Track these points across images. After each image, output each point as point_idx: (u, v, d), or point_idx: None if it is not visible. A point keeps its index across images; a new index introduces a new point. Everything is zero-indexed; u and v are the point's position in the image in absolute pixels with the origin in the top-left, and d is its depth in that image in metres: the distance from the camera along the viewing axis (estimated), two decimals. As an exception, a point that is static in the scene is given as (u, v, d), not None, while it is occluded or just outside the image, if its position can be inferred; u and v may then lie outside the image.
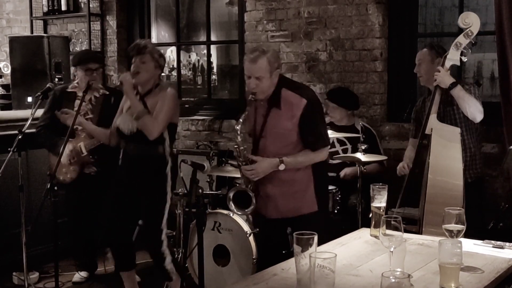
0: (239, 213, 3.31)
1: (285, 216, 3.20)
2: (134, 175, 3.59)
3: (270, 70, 3.07)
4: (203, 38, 6.12)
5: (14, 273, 4.35)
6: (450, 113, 3.59)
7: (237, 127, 3.14)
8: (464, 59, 3.47)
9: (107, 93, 4.25)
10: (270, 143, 3.16)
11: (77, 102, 4.11)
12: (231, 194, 3.25)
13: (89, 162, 4.11)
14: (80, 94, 4.14)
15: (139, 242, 3.80)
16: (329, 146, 3.28)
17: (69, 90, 4.24)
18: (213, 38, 6.02)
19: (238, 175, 4.14)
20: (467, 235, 2.29)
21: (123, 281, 3.88)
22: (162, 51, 3.83)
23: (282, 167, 3.09)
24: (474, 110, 3.46)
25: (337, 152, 4.34)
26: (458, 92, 3.44)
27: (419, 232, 3.15)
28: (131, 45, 3.66)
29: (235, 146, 3.15)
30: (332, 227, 3.70)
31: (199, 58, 6.64)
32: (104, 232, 3.74)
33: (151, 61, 3.57)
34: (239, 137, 3.13)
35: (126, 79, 3.50)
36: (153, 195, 3.60)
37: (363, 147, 3.97)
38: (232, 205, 3.24)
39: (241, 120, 3.15)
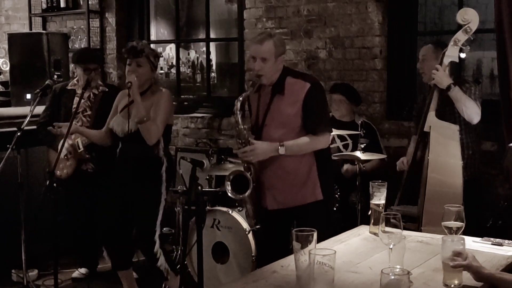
0: (233, 197, 3.27)
1: (286, 207, 3.17)
2: (128, 176, 3.60)
3: (275, 53, 3.08)
4: (202, 35, 6.12)
5: (13, 271, 4.35)
6: (449, 110, 3.56)
7: (237, 105, 3.12)
8: (463, 55, 3.46)
9: (107, 90, 4.24)
10: (273, 130, 3.13)
11: (77, 99, 4.12)
12: (230, 177, 3.22)
13: (85, 158, 4.11)
14: (79, 91, 4.15)
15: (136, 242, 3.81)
16: (330, 134, 3.23)
17: (68, 87, 4.25)
18: (212, 35, 6.02)
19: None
20: (466, 232, 2.29)
21: (121, 279, 3.88)
22: (160, 48, 3.80)
23: (282, 150, 3.05)
24: (470, 113, 3.44)
25: (338, 148, 4.34)
26: (456, 94, 3.42)
27: (418, 230, 3.14)
28: (127, 46, 3.59)
29: (235, 126, 3.14)
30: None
31: (198, 55, 6.64)
32: (100, 231, 3.75)
33: (148, 64, 3.56)
34: (238, 114, 3.12)
35: (134, 80, 3.47)
36: (147, 196, 3.60)
37: (362, 146, 3.97)
38: (229, 186, 3.21)
39: (240, 98, 3.14)
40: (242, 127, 3.12)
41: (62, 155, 4.03)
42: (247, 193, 3.16)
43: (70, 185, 4.21)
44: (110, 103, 3.89)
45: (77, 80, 4.24)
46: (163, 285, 3.93)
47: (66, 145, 4.01)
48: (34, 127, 4.20)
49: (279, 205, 3.18)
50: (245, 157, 3.11)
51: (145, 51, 3.55)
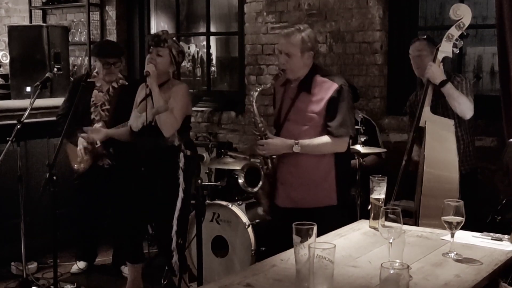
0: (244, 189, 3.24)
1: (299, 206, 3.10)
2: (145, 169, 3.55)
3: (301, 48, 3.02)
4: (202, 29, 6.11)
5: (12, 263, 4.35)
6: (443, 105, 3.54)
7: (254, 95, 3.07)
8: (456, 50, 3.45)
9: (126, 83, 4.19)
10: (295, 126, 3.08)
11: (95, 92, 4.12)
12: (244, 169, 3.19)
13: (102, 154, 4.08)
14: (98, 84, 4.15)
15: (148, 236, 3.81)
16: (349, 138, 3.14)
17: (88, 80, 4.23)
18: (212, 29, 6.00)
19: (237, 167, 4.15)
20: (465, 227, 2.30)
21: (128, 272, 3.87)
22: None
23: (296, 148, 3.00)
24: (464, 108, 3.43)
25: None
26: (448, 90, 3.42)
27: (415, 225, 3.14)
28: (152, 33, 3.58)
29: (251, 116, 3.10)
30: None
31: (198, 49, 6.63)
32: (117, 224, 3.73)
33: (168, 56, 3.52)
34: (255, 105, 3.07)
35: (152, 70, 3.43)
36: (164, 188, 3.56)
37: (362, 139, 3.97)
38: (242, 179, 3.17)
39: (258, 89, 3.08)
40: (258, 118, 3.08)
41: (78, 151, 4.03)
42: (257, 188, 3.14)
43: (85, 180, 4.19)
44: (129, 97, 3.82)
45: (97, 73, 4.20)
46: (163, 280, 3.93)
47: (82, 142, 4.00)
48: (34, 120, 4.19)
49: (291, 204, 3.13)
50: (259, 149, 3.09)
51: (168, 42, 3.51)
